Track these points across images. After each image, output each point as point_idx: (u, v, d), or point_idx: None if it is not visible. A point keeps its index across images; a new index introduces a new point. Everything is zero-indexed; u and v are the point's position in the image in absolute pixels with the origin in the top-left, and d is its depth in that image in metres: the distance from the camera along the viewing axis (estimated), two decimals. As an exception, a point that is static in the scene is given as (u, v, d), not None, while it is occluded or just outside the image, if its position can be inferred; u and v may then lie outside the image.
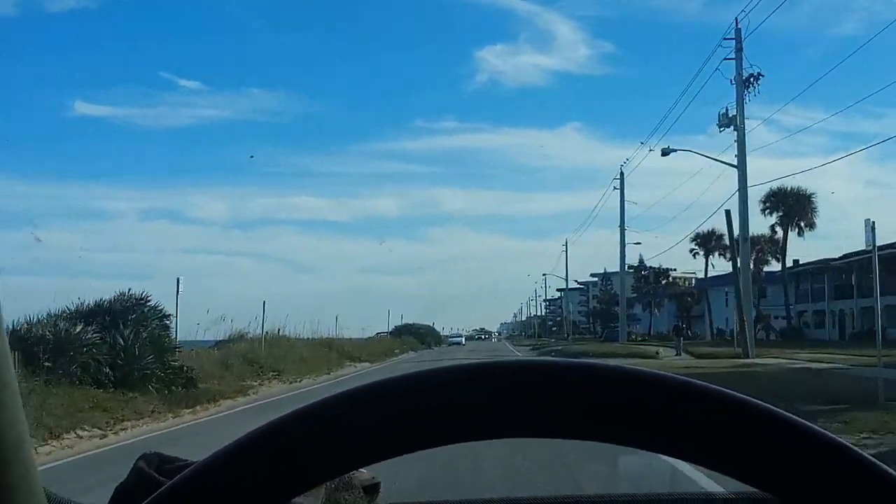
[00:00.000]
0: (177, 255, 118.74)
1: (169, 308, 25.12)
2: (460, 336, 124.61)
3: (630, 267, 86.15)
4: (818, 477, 0.57)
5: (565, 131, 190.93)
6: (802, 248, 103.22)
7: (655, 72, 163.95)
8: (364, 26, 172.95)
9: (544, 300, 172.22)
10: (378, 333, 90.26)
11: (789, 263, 72.63)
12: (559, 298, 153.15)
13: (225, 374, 28.99)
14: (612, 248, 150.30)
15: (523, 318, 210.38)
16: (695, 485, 6.47)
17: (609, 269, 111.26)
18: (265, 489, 0.59)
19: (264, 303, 39.27)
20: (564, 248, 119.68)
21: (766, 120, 69.05)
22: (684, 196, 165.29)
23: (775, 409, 0.59)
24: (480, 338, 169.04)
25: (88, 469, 11.52)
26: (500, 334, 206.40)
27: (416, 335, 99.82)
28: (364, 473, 1.03)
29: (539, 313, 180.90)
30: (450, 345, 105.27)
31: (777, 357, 39.11)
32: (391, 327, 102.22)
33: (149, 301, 22.83)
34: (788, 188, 66.57)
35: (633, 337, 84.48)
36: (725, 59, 42.58)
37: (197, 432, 16.23)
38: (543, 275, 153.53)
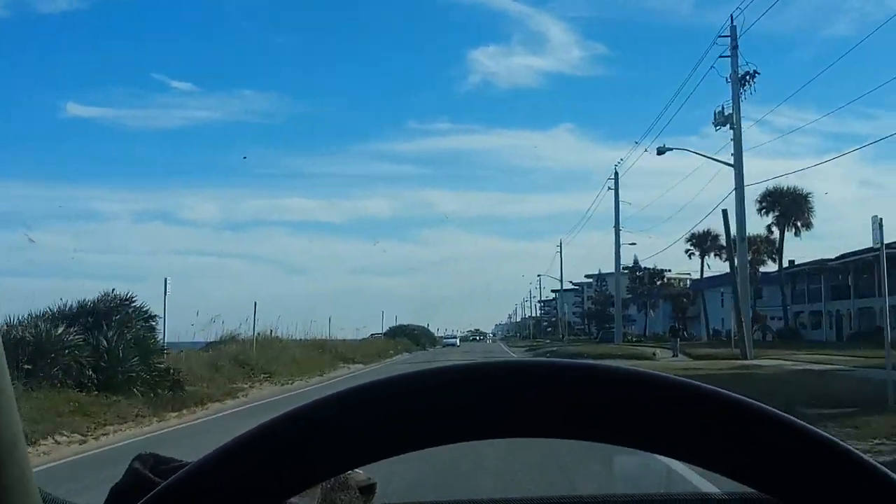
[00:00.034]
0: (170, 257, 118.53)
1: (159, 309, 24.69)
2: (454, 337, 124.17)
3: (625, 268, 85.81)
4: (816, 478, 0.57)
5: (558, 132, 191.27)
6: (796, 249, 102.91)
7: (648, 73, 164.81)
8: (356, 28, 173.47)
9: (539, 301, 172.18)
10: (372, 335, 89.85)
11: (785, 264, 72.18)
12: (554, 299, 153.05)
13: (215, 376, 28.49)
14: (606, 249, 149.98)
15: (518, 320, 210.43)
16: (689, 485, 6.57)
17: (604, 270, 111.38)
18: (260, 489, 0.59)
19: (255, 304, 38.89)
20: (559, 248, 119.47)
21: (759, 121, 68.69)
22: (678, 197, 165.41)
23: (772, 409, 0.59)
24: (475, 339, 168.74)
25: (64, 477, 10.91)
26: (494, 335, 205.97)
27: (411, 336, 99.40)
28: (360, 474, 1.02)
29: (534, 314, 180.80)
30: (444, 346, 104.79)
31: (776, 358, 38.63)
32: (385, 328, 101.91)
33: (134, 302, 22.28)
34: (785, 188, 66.32)
35: (629, 338, 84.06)
36: (721, 56, 42.17)
37: (182, 437, 15.68)
38: (538, 276, 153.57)
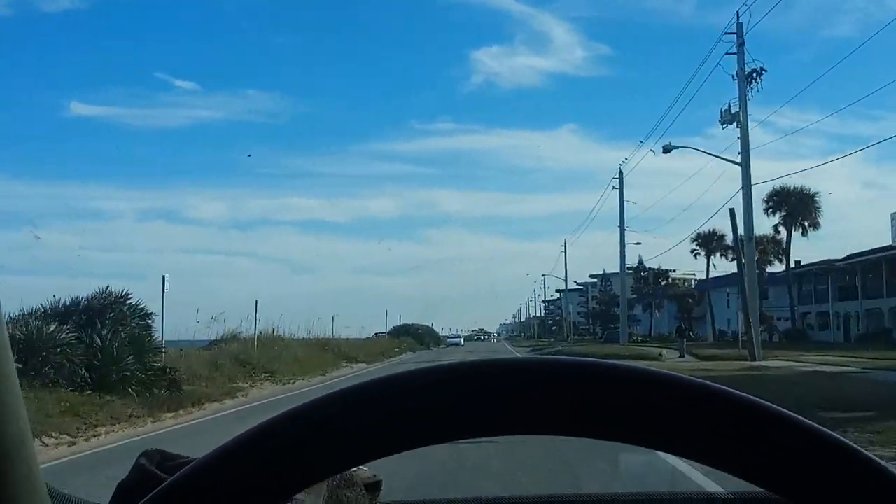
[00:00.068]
0: (175, 255, 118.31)
1: (160, 307, 24.22)
2: (458, 337, 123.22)
3: (629, 268, 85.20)
4: (827, 478, 0.57)
5: (561, 133, 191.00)
6: (801, 250, 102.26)
7: (651, 74, 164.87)
8: (359, 28, 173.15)
9: (543, 301, 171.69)
10: (376, 334, 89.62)
11: (791, 264, 71.56)
12: (558, 299, 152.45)
13: (215, 375, 28.01)
14: (610, 249, 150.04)
15: (522, 319, 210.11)
16: (694, 484, 6.66)
17: (608, 271, 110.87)
18: (265, 486, 0.59)
19: (256, 302, 38.41)
20: (563, 248, 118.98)
21: (762, 122, 68.29)
22: (682, 198, 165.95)
23: (783, 409, 0.59)
24: (479, 338, 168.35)
25: (50, 481, 10.39)
26: (499, 335, 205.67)
27: (415, 336, 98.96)
28: (366, 471, 1.03)
29: (538, 314, 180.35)
30: (448, 346, 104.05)
31: (784, 359, 38.09)
32: (389, 328, 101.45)
33: (129, 299, 21.73)
34: (791, 187, 65.70)
35: (634, 338, 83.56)
36: (727, 53, 41.60)
37: (177, 438, 15.18)
38: (542, 276, 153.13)
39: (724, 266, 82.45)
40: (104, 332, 19.65)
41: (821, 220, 68.25)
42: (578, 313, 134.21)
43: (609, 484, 7.89)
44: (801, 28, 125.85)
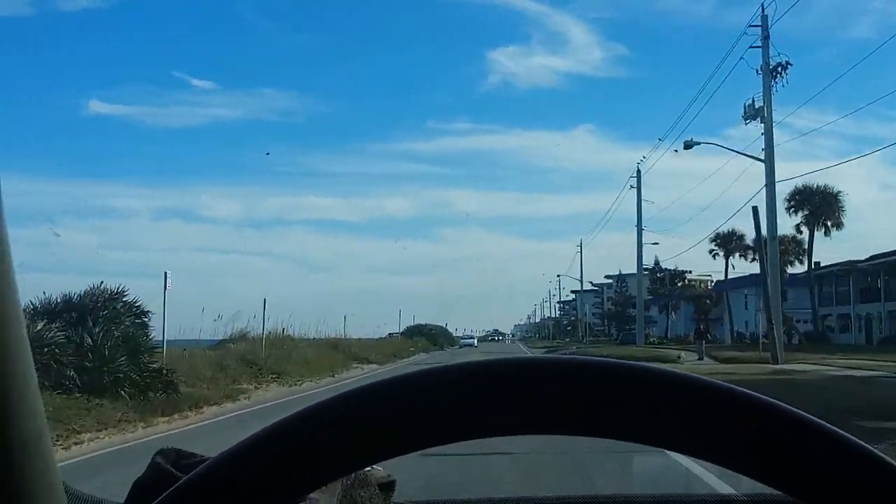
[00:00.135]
0: (190, 254, 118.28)
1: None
2: (472, 337, 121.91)
3: (645, 269, 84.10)
4: (850, 485, 0.57)
5: (578, 133, 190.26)
6: (817, 252, 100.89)
7: (668, 74, 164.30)
8: (376, 27, 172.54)
9: (558, 302, 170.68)
10: (390, 334, 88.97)
11: (809, 266, 70.18)
12: (573, 300, 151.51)
13: (219, 376, 27.06)
14: (626, 249, 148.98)
15: (537, 320, 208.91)
16: (707, 486, 6.85)
17: (624, 271, 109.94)
18: (281, 485, 0.60)
19: (265, 300, 37.41)
20: (579, 248, 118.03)
21: (779, 123, 66.61)
22: (699, 198, 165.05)
23: (804, 413, 0.59)
24: (494, 339, 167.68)
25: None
26: (513, 336, 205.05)
27: (428, 336, 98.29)
28: (380, 471, 1.04)
29: (553, 315, 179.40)
30: (461, 346, 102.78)
31: (810, 363, 36.88)
32: (403, 328, 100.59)
33: (125, 296, 20.66)
34: (815, 186, 64.21)
35: (650, 339, 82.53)
36: (751, 47, 40.33)
37: (168, 445, 14.10)
38: (557, 276, 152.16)
39: (742, 267, 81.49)
40: (96, 330, 18.59)
41: (844, 220, 66.78)
42: (593, 314, 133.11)
43: (624, 485, 8.34)
44: (817, 28, 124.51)
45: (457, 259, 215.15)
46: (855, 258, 68.05)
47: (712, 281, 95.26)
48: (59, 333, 17.54)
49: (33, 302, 19.33)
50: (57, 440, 14.03)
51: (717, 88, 62.76)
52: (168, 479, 0.83)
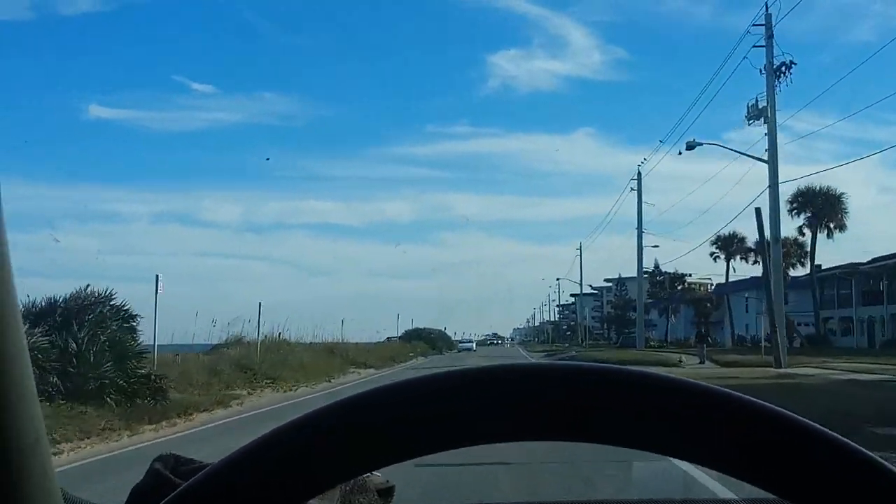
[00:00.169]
0: (189, 259, 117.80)
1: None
2: (471, 341, 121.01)
3: (645, 272, 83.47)
4: (850, 491, 0.57)
5: (578, 136, 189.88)
6: (817, 255, 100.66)
7: (669, 77, 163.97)
8: (376, 30, 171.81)
9: (557, 305, 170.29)
10: (388, 338, 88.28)
11: (810, 269, 69.56)
12: (573, 304, 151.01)
13: (212, 381, 26.50)
14: (625, 253, 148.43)
15: (536, 324, 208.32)
16: (707, 490, 6.84)
17: (623, 275, 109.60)
18: (280, 492, 0.60)
19: (259, 304, 36.87)
20: (579, 252, 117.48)
21: (781, 125, 66.02)
22: (698, 202, 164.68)
23: (806, 420, 0.59)
24: (493, 343, 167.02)
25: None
26: (512, 340, 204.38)
27: (427, 340, 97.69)
28: (378, 476, 1.04)
29: (552, 319, 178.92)
30: (459, 350, 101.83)
31: (813, 366, 36.33)
32: (401, 332, 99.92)
33: (112, 299, 20.05)
34: (818, 187, 63.61)
35: (651, 343, 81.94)
36: (755, 46, 39.76)
37: (151, 455, 13.49)
38: (557, 279, 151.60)
39: (743, 269, 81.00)
40: (81, 335, 17.96)
41: (847, 222, 66.16)
42: (593, 318, 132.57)
43: (623, 490, 8.53)
44: (816, 32, 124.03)
45: (456, 263, 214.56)
46: (852, 261, 67.46)
47: (712, 284, 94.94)
48: (42, 338, 16.91)
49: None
50: (35, 450, 13.43)
51: (719, 90, 62.16)
52: (167, 486, 0.85)
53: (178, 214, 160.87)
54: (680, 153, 45.44)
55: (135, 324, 20.74)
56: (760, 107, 39.60)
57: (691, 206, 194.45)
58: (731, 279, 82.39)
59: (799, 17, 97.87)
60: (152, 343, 24.15)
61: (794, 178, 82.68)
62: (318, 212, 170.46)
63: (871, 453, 0.57)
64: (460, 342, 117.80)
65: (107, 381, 17.87)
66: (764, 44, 39.31)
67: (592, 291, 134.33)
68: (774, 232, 39.80)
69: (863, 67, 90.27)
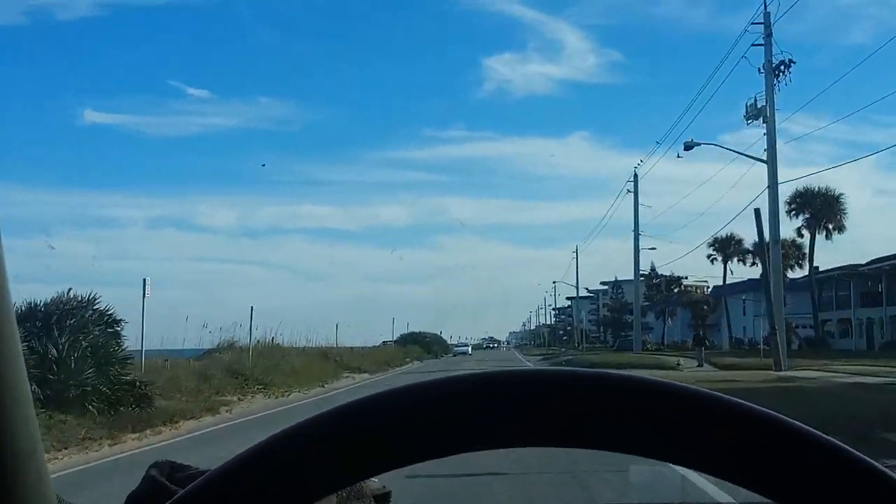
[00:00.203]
0: (185, 264, 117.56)
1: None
2: (466, 345, 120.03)
3: (641, 274, 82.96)
4: (848, 497, 0.57)
5: (573, 140, 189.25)
6: (815, 256, 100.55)
7: (664, 80, 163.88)
8: (372, 35, 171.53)
9: (553, 308, 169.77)
10: (384, 342, 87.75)
11: (808, 271, 69.03)
12: (569, 307, 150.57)
13: (202, 387, 25.92)
14: (621, 256, 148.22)
15: (532, 327, 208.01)
16: (704, 494, 6.95)
17: (619, 278, 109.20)
18: (275, 499, 0.60)
19: (252, 308, 36.25)
20: (574, 254, 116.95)
21: (780, 125, 65.57)
22: (695, 204, 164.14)
23: (802, 425, 0.59)
24: (489, 346, 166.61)
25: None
26: (508, 343, 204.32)
27: (422, 344, 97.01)
28: (375, 482, 1.05)
29: (548, 322, 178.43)
30: (455, 355, 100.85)
31: (814, 369, 35.76)
32: (397, 336, 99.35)
33: (96, 304, 19.42)
34: (816, 188, 63.04)
35: (648, 346, 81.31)
36: (753, 45, 39.15)
37: (130, 467, 12.90)
38: (553, 282, 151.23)
39: (740, 272, 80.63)
40: (62, 340, 17.33)
41: (846, 223, 65.58)
42: (589, 321, 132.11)
43: (621, 494, 8.36)
44: (811, 34, 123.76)
45: (452, 267, 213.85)
46: (849, 263, 66.99)
47: (708, 287, 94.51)
48: (20, 344, 16.28)
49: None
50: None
51: (715, 91, 62.00)
52: (163, 493, 0.85)
53: (174, 219, 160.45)
54: (679, 156, 45.00)
55: (119, 328, 20.15)
56: (759, 106, 39.01)
57: (687, 208, 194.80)
58: (728, 281, 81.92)
59: (794, 19, 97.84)
60: (140, 348, 23.68)
61: (792, 178, 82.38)
62: (314, 216, 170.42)
63: (864, 456, 0.57)
64: (456, 346, 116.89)
65: (88, 389, 17.25)
66: (763, 42, 38.79)
67: (588, 294, 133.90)
68: (774, 233, 39.25)
69: (857, 70, 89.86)
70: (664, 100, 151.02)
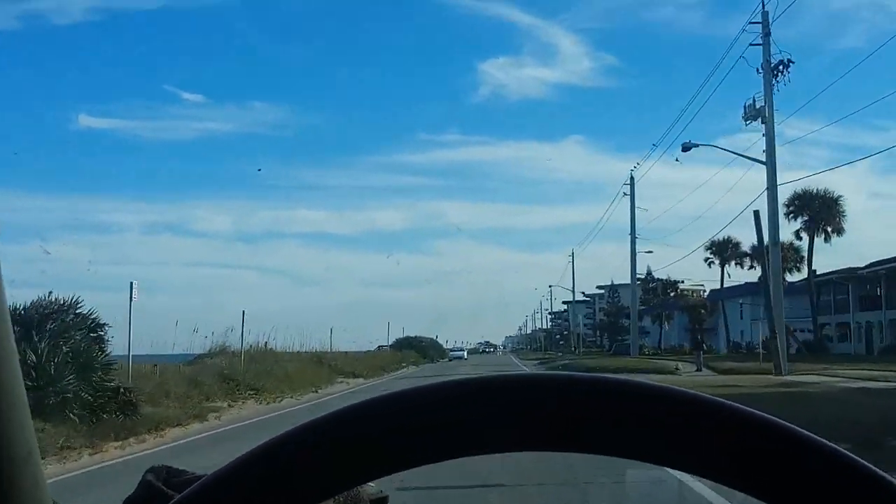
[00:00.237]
0: (180, 269, 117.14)
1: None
2: (462, 350, 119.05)
3: (638, 279, 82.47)
4: (844, 500, 0.57)
5: (568, 144, 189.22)
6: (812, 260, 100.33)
7: (658, 85, 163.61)
8: (367, 39, 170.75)
9: (549, 313, 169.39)
10: (379, 347, 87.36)
11: (806, 274, 68.48)
12: (565, 311, 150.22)
13: (192, 393, 25.33)
14: (617, 260, 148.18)
15: (528, 332, 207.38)
16: (702, 499, 7.38)
17: (615, 282, 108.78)
18: (273, 503, 0.60)
19: (243, 312, 35.68)
20: (571, 258, 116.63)
21: (778, 126, 65.08)
22: (690, 208, 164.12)
23: (800, 429, 0.59)
24: (485, 351, 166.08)
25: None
26: (504, 348, 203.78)
27: (418, 349, 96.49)
28: (371, 487, 1.03)
29: (544, 326, 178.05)
30: (450, 359, 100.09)
31: (815, 374, 35.24)
32: (393, 341, 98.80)
33: (79, 307, 18.82)
34: (814, 190, 62.47)
35: (645, 350, 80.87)
36: (752, 44, 38.74)
37: (110, 477, 12.35)
38: (549, 286, 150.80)
39: (737, 275, 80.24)
40: (41, 346, 16.72)
41: (845, 226, 65.00)
42: (585, 325, 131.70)
43: (618, 499, 8.60)
44: (806, 38, 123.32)
45: (448, 271, 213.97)
46: (846, 267, 66.45)
47: (704, 291, 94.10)
48: (-3, 350, 15.70)
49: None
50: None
51: (713, 91, 61.47)
52: (159, 498, 0.85)
53: (169, 224, 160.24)
54: (677, 160, 44.54)
55: (102, 333, 19.52)
56: (758, 106, 38.58)
57: (683, 212, 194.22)
58: (725, 285, 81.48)
59: (787, 25, 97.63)
60: (127, 353, 23.10)
61: (788, 181, 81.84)
62: (309, 221, 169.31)
63: (863, 461, 0.57)
64: (451, 350, 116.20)
65: (69, 395, 16.63)
66: (761, 42, 38.33)
67: (585, 299, 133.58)
68: (773, 236, 38.77)
69: (851, 73, 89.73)
70: (659, 104, 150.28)
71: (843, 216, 64.53)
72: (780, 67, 37.76)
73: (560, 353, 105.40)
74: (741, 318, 79.21)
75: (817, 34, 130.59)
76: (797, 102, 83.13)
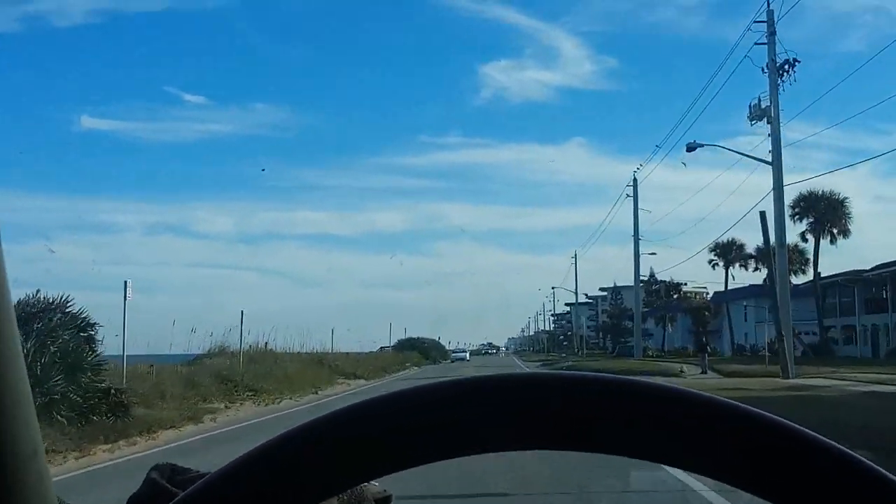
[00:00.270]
0: (182, 269, 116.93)
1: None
2: (464, 351, 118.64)
3: (641, 280, 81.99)
4: (852, 502, 0.57)
5: (570, 146, 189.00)
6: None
7: (659, 87, 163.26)
8: (368, 41, 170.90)
9: (552, 314, 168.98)
10: (381, 348, 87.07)
11: (811, 276, 67.88)
12: (568, 313, 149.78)
13: (188, 394, 24.85)
14: (620, 262, 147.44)
15: (531, 333, 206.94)
16: (704, 500, 7.40)
17: (618, 284, 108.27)
18: (276, 501, 0.60)
19: (242, 312, 35.18)
20: (573, 260, 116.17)
21: (785, 125, 64.47)
22: (693, 210, 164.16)
23: (803, 428, 0.59)
24: (488, 352, 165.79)
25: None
26: (507, 349, 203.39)
27: (420, 350, 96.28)
28: (375, 486, 1.03)
29: (547, 328, 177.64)
30: (452, 361, 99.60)
31: (822, 377, 34.68)
32: (395, 342, 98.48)
33: (68, 306, 18.31)
34: (820, 192, 61.85)
35: (649, 353, 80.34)
36: (757, 43, 38.25)
37: (92, 485, 11.85)
38: (552, 288, 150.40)
39: (742, 277, 79.59)
40: (28, 346, 16.19)
41: (851, 228, 64.40)
42: (588, 327, 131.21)
43: (621, 499, 8.58)
44: (808, 41, 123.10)
45: (451, 273, 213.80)
46: (851, 269, 65.86)
47: (708, 293, 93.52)
48: (-18, 349, 15.19)
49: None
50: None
51: (717, 91, 60.83)
52: (163, 496, 0.85)
53: (171, 225, 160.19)
54: (683, 163, 44.15)
55: (93, 332, 19.02)
56: (763, 106, 38.06)
57: (686, 215, 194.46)
58: (729, 287, 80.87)
59: (789, 28, 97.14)
60: (121, 353, 22.62)
61: (791, 182, 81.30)
62: (311, 222, 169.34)
63: (873, 464, 0.56)
64: (454, 352, 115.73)
65: (57, 397, 16.11)
66: (766, 41, 37.81)
67: (588, 301, 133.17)
68: (780, 237, 38.24)
69: (853, 76, 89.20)
70: (661, 106, 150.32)
71: (850, 218, 64.00)
72: (787, 66, 37.27)
73: (563, 355, 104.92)
74: (745, 320, 78.60)
75: (819, 38, 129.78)
76: (799, 105, 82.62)
